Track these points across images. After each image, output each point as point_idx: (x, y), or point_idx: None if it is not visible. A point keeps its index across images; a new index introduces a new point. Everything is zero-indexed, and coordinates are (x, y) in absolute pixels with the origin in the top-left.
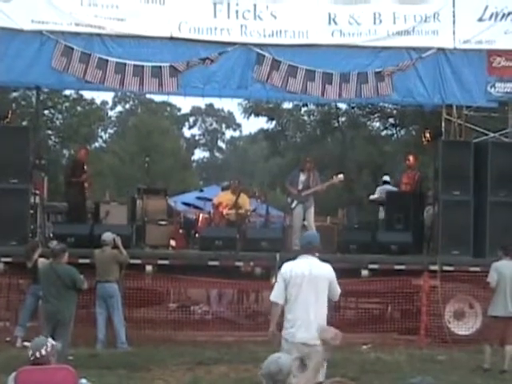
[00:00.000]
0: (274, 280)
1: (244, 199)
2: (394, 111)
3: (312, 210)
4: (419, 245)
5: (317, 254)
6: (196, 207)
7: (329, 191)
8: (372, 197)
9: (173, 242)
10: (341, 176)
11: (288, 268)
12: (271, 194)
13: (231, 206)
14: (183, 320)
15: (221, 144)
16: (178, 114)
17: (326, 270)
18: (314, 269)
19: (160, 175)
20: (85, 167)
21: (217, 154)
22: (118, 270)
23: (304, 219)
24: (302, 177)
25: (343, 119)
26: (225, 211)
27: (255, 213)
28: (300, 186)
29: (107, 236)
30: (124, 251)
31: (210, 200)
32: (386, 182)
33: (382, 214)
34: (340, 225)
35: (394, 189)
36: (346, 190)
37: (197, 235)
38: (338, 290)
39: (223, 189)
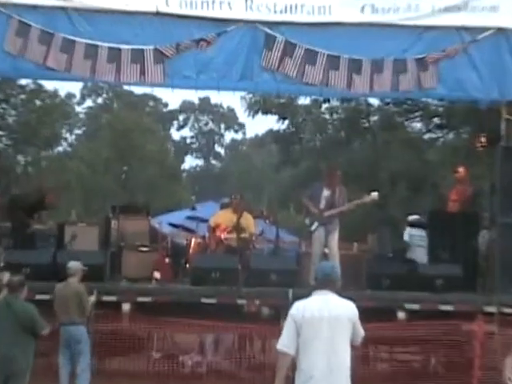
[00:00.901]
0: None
1: (248, 220)
2: (440, 109)
3: (336, 235)
4: (471, 280)
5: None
6: (187, 230)
7: (356, 210)
8: (411, 218)
9: (157, 274)
10: (375, 194)
11: (300, 308)
12: (283, 213)
13: (232, 228)
14: (169, 373)
15: (219, 149)
16: (165, 110)
17: (348, 309)
18: (334, 308)
19: (141, 188)
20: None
21: (213, 162)
22: (87, 308)
23: (325, 246)
24: (326, 192)
25: (375, 118)
26: (223, 235)
27: (262, 237)
28: (322, 204)
29: (74, 265)
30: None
31: (204, 221)
32: (413, 225)
33: (407, 236)
34: (370, 253)
35: (423, 235)
36: (378, 208)
37: (187, 265)
38: (361, 332)
39: (222, 206)
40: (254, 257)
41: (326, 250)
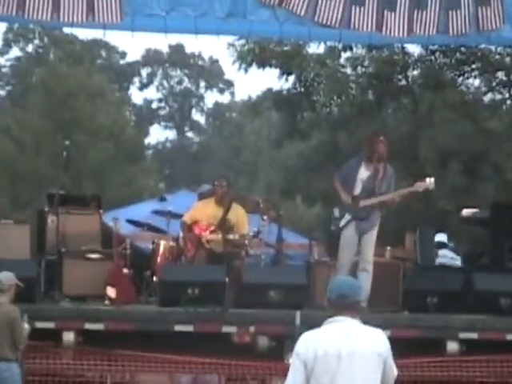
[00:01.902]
0: (290, 359)
1: (238, 215)
2: (507, 59)
3: (374, 236)
4: None
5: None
6: (153, 229)
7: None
8: (467, 212)
9: (111, 291)
10: (430, 181)
11: (310, 343)
12: (287, 205)
13: (216, 226)
14: None
15: (197, 117)
16: (122, 62)
17: (377, 341)
18: (356, 340)
19: (89, 172)
20: None
21: (190, 135)
22: (21, 339)
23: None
24: (365, 172)
25: (415, 73)
26: (204, 236)
27: (258, 239)
28: (358, 189)
29: (5, 278)
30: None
31: (177, 216)
32: (442, 245)
33: (441, 237)
34: (408, 261)
35: (457, 258)
36: (419, 197)
37: (154, 279)
38: (395, 372)
39: (202, 197)
40: (247, 267)
41: (360, 258)
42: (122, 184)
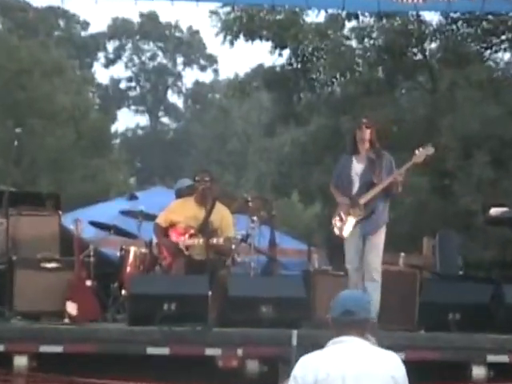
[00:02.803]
0: None
1: (223, 216)
2: None
3: (380, 238)
4: None
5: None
6: (121, 233)
7: (402, 196)
8: (495, 211)
9: (71, 307)
10: (428, 149)
11: (310, 364)
12: (281, 204)
13: (196, 229)
14: None
15: (174, 99)
16: (84, 34)
17: (390, 364)
18: (364, 362)
19: (45, 165)
20: None
21: (165, 121)
22: None
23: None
24: (358, 166)
25: (433, 46)
26: (183, 241)
27: (247, 244)
28: (356, 187)
29: None
30: None
31: (150, 218)
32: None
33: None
34: (426, 270)
35: None
36: (438, 194)
37: (123, 292)
38: None
39: (179, 194)
40: (233, 277)
41: (365, 267)
42: (85, 179)
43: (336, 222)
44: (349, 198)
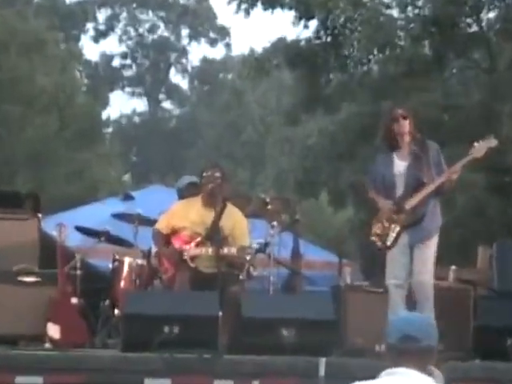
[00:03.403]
0: None
1: (236, 220)
2: None
3: (431, 248)
4: None
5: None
6: (114, 240)
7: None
8: None
9: (54, 330)
10: (491, 141)
11: None
12: (306, 206)
13: (204, 237)
14: None
15: (177, 79)
16: (69, 1)
17: None
18: None
19: (23, 159)
20: None
21: (166, 106)
22: None
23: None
24: (400, 163)
25: (491, 16)
26: (188, 250)
27: (266, 254)
28: (401, 188)
29: None
30: None
31: (149, 222)
32: None
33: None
34: (481, 286)
35: None
36: (496, 193)
37: (116, 311)
38: None
39: (183, 194)
40: (248, 295)
41: (413, 281)
42: (70, 176)
43: (377, 229)
44: (392, 201)
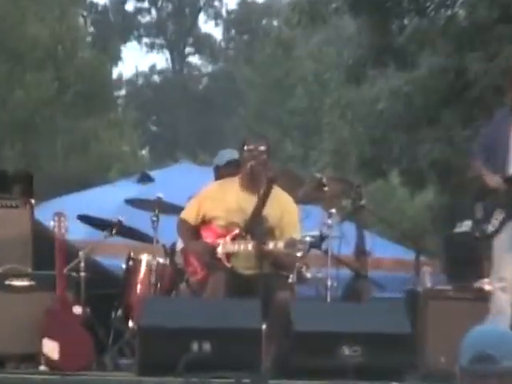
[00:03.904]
0: None
1: (285, 207)
2: None
3: None
4: None
5: None
6: (128, 233)
7: None
8: None
9: (51, 348)
10: None
11: None
12: (373, 188)
13: (243, 228)
14: None
15: (208, 27)
16: None
17: None
18: None
19: (10, 131)
20: None
21: (193, 61)
22: None
23: None
24: None
25: None
26: (223, 246)
27: (322, 251)
28: None
29: None
30: None
31: (173, 209)
32: None
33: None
34: None
35: None
36: None
37: (130, 323)
38: None
39: (219, 174)
40: (300, 304)
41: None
42: (71, 150)
43: (478, 213)
44: (503, 178)
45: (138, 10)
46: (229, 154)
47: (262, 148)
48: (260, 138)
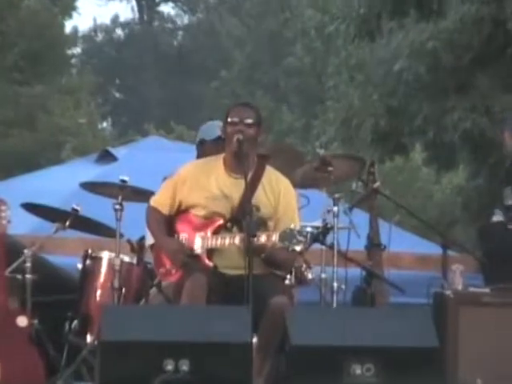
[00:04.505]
0: None
1: (280, 191)
2: None
3: None
4: None
5: None
6: (85, 224)
7: None
8: None
9: None
10: None
11: None
12: (391, 168)
13: (228, 218)
14: None
15: None
16: None
17: None
18: None
19: None
20: None
21: (166, 11)
22: None
23: None
24: None
25: None
26: (204, 240)
27: (326, 246)
28: None
29: None
30: None
31: (140, 195)
32: None
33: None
34: None
35: None
36: None
37: (89, 338)
38: None
39: (204, 151)
40: (300, 312)
41: None
42: (13, 123)
43: (508, 199)
44: None
45: None
46: (214, 128)
47: (250, 120)
48: (248, 107)
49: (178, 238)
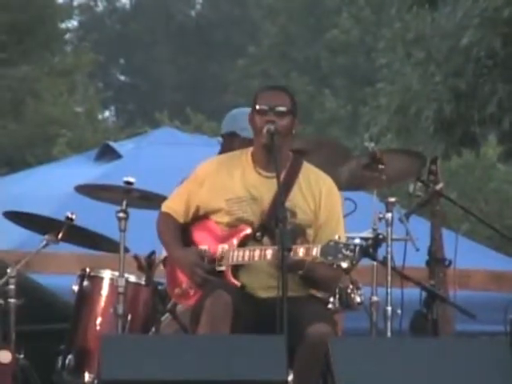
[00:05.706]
0: None
1: (322, 194)
2: None
3: None
4: None
5: None
6: (79, 236)
7: None
8: None
9: None
10: None
11: None
12: (457, 165)
13: (258, 227)
14: None
15: None
16: None
17: None
18: None
19: None
20: None
21: None
22: None
23: None
24: None
25: None
26: (227, 254)
27: (377, 262)
28: None
29: None
30: None
31: (149, 200)
32: None
33: None
34: None
35: None
36: None
37: (86, 377)
38: None
39: (231, 145)
40: (347, 343)
41: None
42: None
43: None
44: None
45: None
46: (241, 117)
47: (283, 108)
48: (280, 92)
49: (197, 250)
